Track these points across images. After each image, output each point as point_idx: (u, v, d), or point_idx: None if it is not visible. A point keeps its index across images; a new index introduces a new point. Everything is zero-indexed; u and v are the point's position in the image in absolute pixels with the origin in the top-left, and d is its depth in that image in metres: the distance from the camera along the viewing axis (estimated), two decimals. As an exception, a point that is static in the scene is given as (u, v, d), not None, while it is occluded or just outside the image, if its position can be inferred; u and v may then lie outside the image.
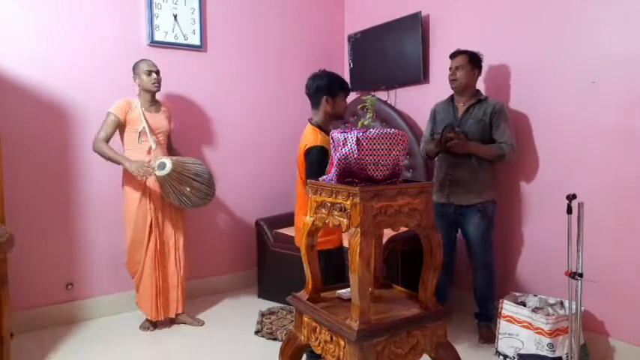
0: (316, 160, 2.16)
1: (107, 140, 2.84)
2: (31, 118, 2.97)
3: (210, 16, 3.61)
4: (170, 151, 3.14)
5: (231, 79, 3.76)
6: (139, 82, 2.94)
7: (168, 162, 2.79)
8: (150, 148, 2.93)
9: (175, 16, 3.42)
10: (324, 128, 2.29)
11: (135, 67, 2.95)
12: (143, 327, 3.04)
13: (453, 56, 2.86)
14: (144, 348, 2.80)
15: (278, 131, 4.02)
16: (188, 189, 2.86)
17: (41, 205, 3.02)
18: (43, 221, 3.03)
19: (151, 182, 2.92)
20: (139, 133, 2.90)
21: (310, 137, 2.24)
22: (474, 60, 2.81)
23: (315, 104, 2.32)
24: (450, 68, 2.84)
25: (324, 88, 2.26)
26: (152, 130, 2.94)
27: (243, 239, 3.86)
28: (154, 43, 3.34)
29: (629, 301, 2.47)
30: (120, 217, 3.26)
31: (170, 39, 3.41)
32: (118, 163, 2.83)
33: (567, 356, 2.30)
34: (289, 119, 4.05)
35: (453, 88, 2.88)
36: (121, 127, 2.91)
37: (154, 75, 2.92)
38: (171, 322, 3.10)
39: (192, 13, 3.50)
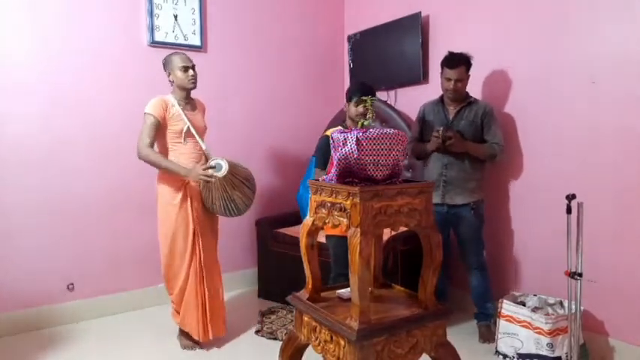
0: (319, 147, 2.66)
1: (152, 145, 2.58)
2: (32, 117, 2.97)
3: (210, 17, 3.62)
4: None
5: (231, 80, 3.76)
6: (173, 79, 2.66)
7: (224, 163, 2.52)
8: (198, 149, 2.70)
9: (176, 17, 3.43)
10: (344, 127, 2.65)
11: (167, 62, 2.67)
12: (186, 346, 2.76)
13: (450, 66, 2.74)
14: (144, 348, 2.80)
15: (278, 131, 4.02)
16: (237, 194, 2.58)
17: (41, 205, 3.02)
18: (43, 221, 3.03)
19: (192, 185, 2.64)
20: (184, 133, 2.63)
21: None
22: (469, 67, 2.79)
23: None
24: (449, 79, 2.75)
25: (346, 94, 2.68)
26: (196, 129, 2.68)
27: (243, 239, 3.86)
28: (155, 44, 3.34)
29: (629, 301, 2.48)
30: (121, 217, 3.27)
31: (170, 39, 3.41)
32: (173, 171, 2.57)
33: (567, 356, 2.31)
34: (289, 119, 4.06)
35: (448, 97, 2.84)
36: (160, 128, 2.62)
37: (190, 71, 2.64)
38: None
39: (193, 13, 3.51)
